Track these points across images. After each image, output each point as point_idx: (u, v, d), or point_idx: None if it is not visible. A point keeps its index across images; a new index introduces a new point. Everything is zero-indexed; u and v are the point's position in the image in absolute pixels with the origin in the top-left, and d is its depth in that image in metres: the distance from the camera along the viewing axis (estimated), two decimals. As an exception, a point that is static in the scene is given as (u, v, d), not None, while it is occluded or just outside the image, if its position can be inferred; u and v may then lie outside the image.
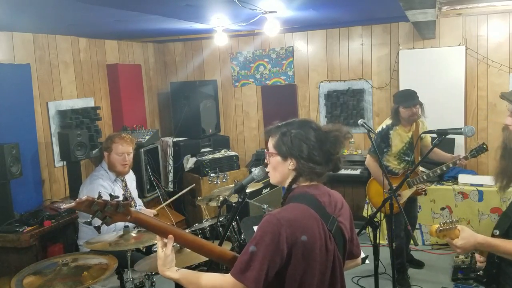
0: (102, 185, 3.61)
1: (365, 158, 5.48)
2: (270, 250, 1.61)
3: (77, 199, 1.58)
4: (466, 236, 1.89)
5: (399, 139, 4.14)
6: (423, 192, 4.22)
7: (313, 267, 1.68)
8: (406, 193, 4.06)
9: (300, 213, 1.69)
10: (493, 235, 2.05)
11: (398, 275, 4.14)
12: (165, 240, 1.76)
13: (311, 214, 1.70)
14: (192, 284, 1.74)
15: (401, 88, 5.13)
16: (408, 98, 4.04)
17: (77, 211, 3.92)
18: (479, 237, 1.91)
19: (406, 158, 4.19)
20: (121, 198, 1.66)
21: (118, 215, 1.64)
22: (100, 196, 1.62)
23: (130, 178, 3.98)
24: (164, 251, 1.75)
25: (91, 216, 1.62)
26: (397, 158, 4.20)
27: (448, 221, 1.89)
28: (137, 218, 1.71)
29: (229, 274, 1.66)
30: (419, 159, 4.21)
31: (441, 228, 1.87)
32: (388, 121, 4.21)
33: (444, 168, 4.00)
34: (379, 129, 4.25)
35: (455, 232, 1.90)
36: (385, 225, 4.98)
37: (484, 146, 3.85)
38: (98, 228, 1.66)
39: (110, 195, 1.65)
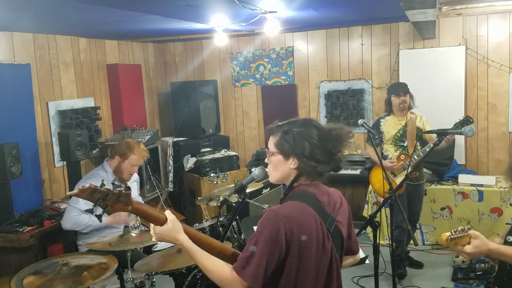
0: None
1: (365, 158, 5.52)
2: (269, 245, 1.62)
3: (80, 186, 1.58)
4: (478, 244, 1.85)
5: (391, 126, 4.36)
6: (416, 174, 4.32)
7: (308, 265, 1.69)
8: (401, 174, 4.21)
9: (298, 211, 1.70)
10: (506, 242, 2.03)
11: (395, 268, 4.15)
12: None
13: (310, 213, 1.70)
14: (197, 257, 1.73)
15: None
16: (397, 87, 4.37)
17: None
18: (491, 245, 1.88)
19: (402, 144, 4.35)
20: (123, 188, 1.66)
21: (119, 204, 1.65)
22: (103, 184, 1.62)
23: (132, 179, 3.96)
24: (170, 218, 1.73)
25: (93, 204, 1.62)
26: (393, 145, 4.36)
27: (459, 229, 1.84)
28: (138, 209, 1.71)
29: (231, 266, 1.68)
30: (413, 145, 4.27)
31: (452, 237, 1.82)
32: (382, 114, 4.55)
33: (432, 145, 4.00)
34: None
35: (466, 239, 1.85)
36: (385, 223, 4.99)
37: (470, 118, 3.96)
38: (99, 217, 1.66)
39: (113, 183, 1.66)
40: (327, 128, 1.79)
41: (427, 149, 4.02)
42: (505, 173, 2.15)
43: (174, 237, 1.73)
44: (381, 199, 4.41)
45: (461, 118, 3.99)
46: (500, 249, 1.89)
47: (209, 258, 1.74)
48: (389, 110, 4.40)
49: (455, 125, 3.95)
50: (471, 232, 1.86)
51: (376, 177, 4.43)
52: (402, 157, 4.26)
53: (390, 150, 4.36)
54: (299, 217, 1.68)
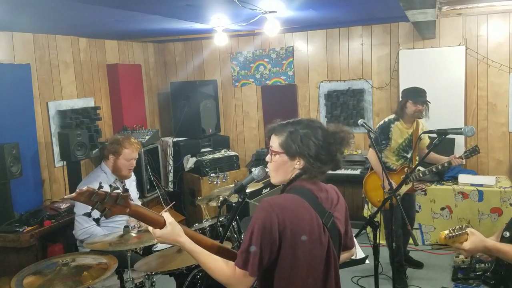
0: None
1: (365, 158, 5.52)
2: (261, 234, 1.64)
3: (77, 190, 1.57)
4: (475, 240, 1.87)
5: (399, 134, 4.19)
6: (419, 190, 4.25)
7: (301, 258, 1.69)
8: (402, 189, 4.07)
9: (293, 202, 1.71)
10: (503, 237, 2.04)
11: (396, 273, 4.15)
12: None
13: (305, 206, 1.71)
14: (199, 258, 1.75)
15: (401, 88, 5.12)
16: (418, 94, 4.13)
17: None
18: (488, 242, 1.89)
19: (405, 154, 4.24)
20: (121, 190, 1.66)
21: (117, 207, 1.65)
22: (100, 187, 1.62)
23: (130, 180, 3.95)
24: (169, 221, 1.75)
25: (90, 207, 1.62)
26: (395, 154, 4.24)
27: (457, 227, 1.87)
28: (136, 211, 1.71)
29: (233, 263, 1.70)
30: (417, 157, 4.24)
31: (450, 235, 1.85)
32: (391, 116, 4.29)
33: (440, 167, 4.04)
34: (381, 122, 4.32)
35: (464, 237, 1.88)
36: (383, 224, 4.99)
37: (477, 148, 4.01)
38: (97, 220, 1.67)
39: (111, 186, 1.65)
40: (331, 131, 1.80)
41: (434, 170, 4.05)
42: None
43: (175, 240, 1.75)
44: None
45: (470, 147, 4.06)
46: (497, 246, 1.90)
47: (211, 257, 1.75)
48: (400, 114, 4.18)
49: (464, 153, 4.02)
50: (469, 229, 1.89)
51: (373, 185, 4.29)
52: (406, 170, 4.16)
53: (392, 159, 4.24)
54: (292, 208, 1.69)
